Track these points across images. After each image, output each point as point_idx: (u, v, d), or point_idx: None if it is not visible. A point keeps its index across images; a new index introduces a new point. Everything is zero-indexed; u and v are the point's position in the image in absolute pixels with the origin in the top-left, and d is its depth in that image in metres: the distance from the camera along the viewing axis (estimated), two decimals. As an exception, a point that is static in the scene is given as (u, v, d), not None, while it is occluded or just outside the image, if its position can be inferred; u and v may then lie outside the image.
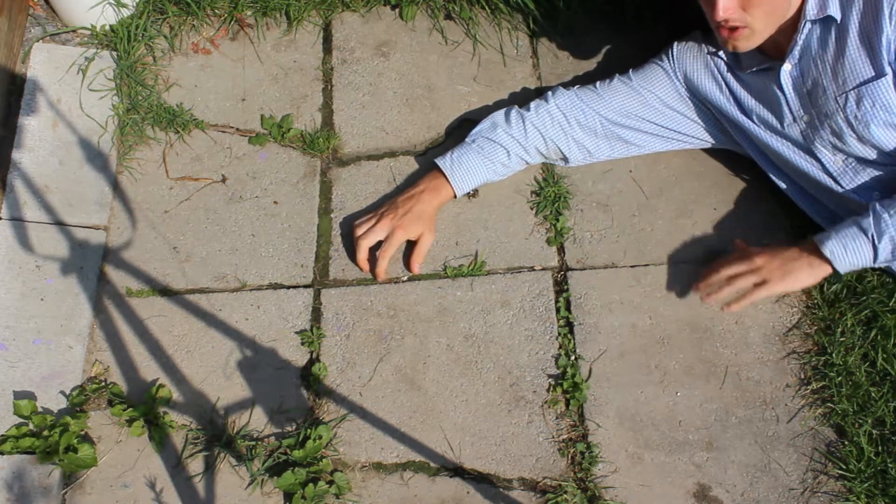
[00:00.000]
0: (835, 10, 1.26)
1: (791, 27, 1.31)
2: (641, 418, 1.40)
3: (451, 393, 1.43)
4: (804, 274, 1.34)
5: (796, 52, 1.32)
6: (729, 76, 1.45)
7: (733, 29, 1.31)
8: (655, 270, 1.52)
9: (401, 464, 1.38)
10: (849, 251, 1.29)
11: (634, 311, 1.48)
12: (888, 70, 1.24)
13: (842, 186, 1.38)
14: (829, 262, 1.31)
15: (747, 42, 1.33)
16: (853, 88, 1.28)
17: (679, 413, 1.40)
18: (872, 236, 1.27)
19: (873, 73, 1.25)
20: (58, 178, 1.59)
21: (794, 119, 1.37)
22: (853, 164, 1.36)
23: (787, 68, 1.34)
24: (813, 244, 1.33)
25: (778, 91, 1.37)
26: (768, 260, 1.36)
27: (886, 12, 1.22)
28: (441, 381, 1.44)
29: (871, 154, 1.33)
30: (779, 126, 1.41)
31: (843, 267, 1.30)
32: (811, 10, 1.27)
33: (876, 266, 1.33)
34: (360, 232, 1.52)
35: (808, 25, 1.29)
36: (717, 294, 1.41)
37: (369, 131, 1.69)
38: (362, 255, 1.51)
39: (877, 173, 1.35)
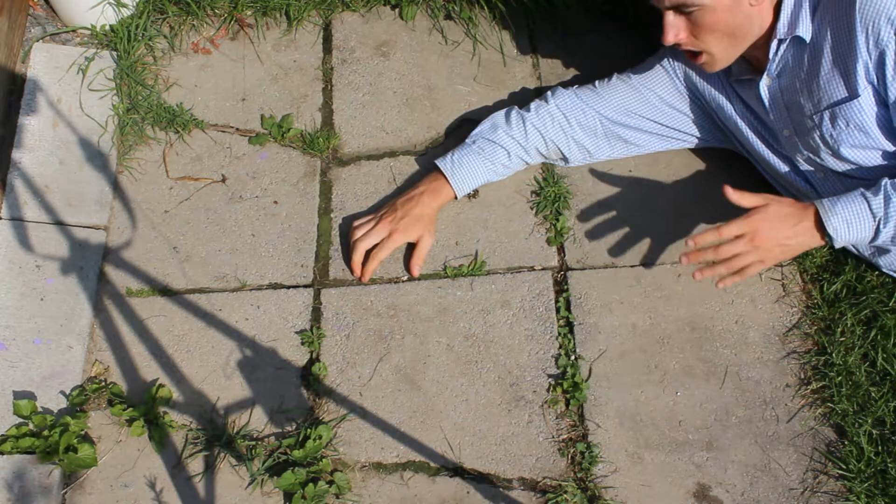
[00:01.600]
0: (803, 31, 1.26)
1: (767, 42, 1.31)
2: (641, 418, 1.40)
3: (451, 393, 1.43)
4: (800, 250, 1.30)
5: (773, 67, 1.32)
6: (724, 78, 1.45)
7: (694, 54, 1.32)
8: (655, 270, 1.52)
9: (401, 464, 1.38)
10: (852, 230, 1.24)
11: (634, 311, 1.48)
12: (861, 92, 1.23)
13: (822, 197, 1.39)
14: (827, 236, 1.25)
15: (711, 67, 1.34)
16: (827, 108, 1.28)
17: (679, 413, 1.40)
18: (879, 220, 1.23)
19: (846, 94, 1.25)
20: (58, 178, 1.59)
21: (776, 131, 1.38)
22: (832, 178, 1.37)
23: (765, 82, 1.35)
24: (816, 217, 1.25)
25: (760, 103, 1.38)
26: (768, 241, 1.25)
27: (860, 35, 1.20)
28: (441, 381, 1.44)
29: (848, 169, 1.33)
30: (763, 134, 1.43)
31: (840, 243, 1.26)
32: (781, 29, 1.27)
33: (867, 244, 1.31)
34: (358, 234, 1.52)
35: (779, 44, 1.29)
36: (709, 270, 1.27)
37: (369, 131, 1.69)
38: (358, 257, 1.51)
39: (854, 186, 1.35)
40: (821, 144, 1.32)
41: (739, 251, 1.24)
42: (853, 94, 1.24)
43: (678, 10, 1.26)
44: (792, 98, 1.33)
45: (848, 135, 1.28)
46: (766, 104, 1.36)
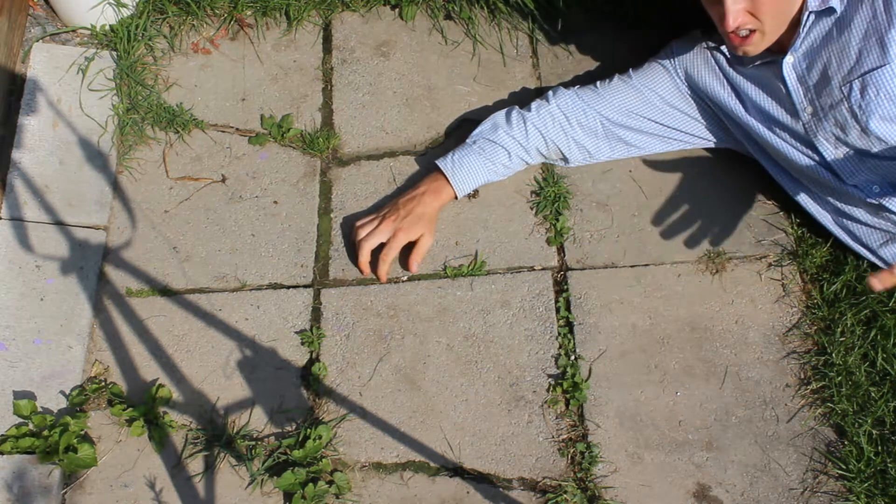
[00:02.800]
0: (836, 1, 1.27)
1: (792, 22, 1.31)
2: (641, 418, 1.40)
3: (451, 393, 1.43)
4: None
5: (798, 43, 1.32)
6: (730, 71, 1.45)
7: (744, 35, 1.32)
8: (655, 270, 1.52)
9: (401, 464, 1.38)
10: None
11: (634, 311, 1.48)
12: (894, 58, 1.24)
13: (842, 181, 1.38)
14: None
15: (758, 46, 1.34)
16: (858, 77, 1.28)
17: (679, 413, 1.40)
18: None
19: (879, 62, 1.25)
20: (58, 178, 1.59)
21: (798, 111, 1.37)
22: (854, 158, 1.36)
23: (789, 60, 1.34)
24: None
25: (781, 84, 1.37)
26: None
27: None
28: (441, 381, 1.44)
29: (873, 147, 1.32)
30: (781, 119, 1.41)
31: None
32: (812, 2, 1.28)
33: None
34: (361, 234, 1.52)
35: (811, 17, 1.30)
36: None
37: (369, 131, 1.69)
38: (364, 257, 1.51)
39: (878, 167, 1.35)
40: (848, 118, 1.31)
41: None
42: (887, 60, 1.24)
43: None
44: (819, 72, 1.32)
45: (878, 105, 1.27)
46: (790, 83, 1.36)
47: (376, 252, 1.51)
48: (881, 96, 1.27)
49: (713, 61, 1.46)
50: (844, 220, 1.44)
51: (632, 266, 1.53)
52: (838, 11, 1.28)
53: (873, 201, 1.36)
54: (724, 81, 1.46)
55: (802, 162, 1.41)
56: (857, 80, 1.28)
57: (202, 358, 1.47)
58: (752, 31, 1.31)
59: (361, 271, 1.53)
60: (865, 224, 1.41)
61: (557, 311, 1.49)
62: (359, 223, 1.54)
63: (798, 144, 1.41)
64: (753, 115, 1.44)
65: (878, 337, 1.41)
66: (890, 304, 1.42)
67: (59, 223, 1.56)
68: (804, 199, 1.48)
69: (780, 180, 1.51)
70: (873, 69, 1.26)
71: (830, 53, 1.30)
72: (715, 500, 1.34)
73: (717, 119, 1.53)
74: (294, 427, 1.41)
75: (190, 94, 1.72)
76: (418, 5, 1.79)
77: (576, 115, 1.53)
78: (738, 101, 1.45)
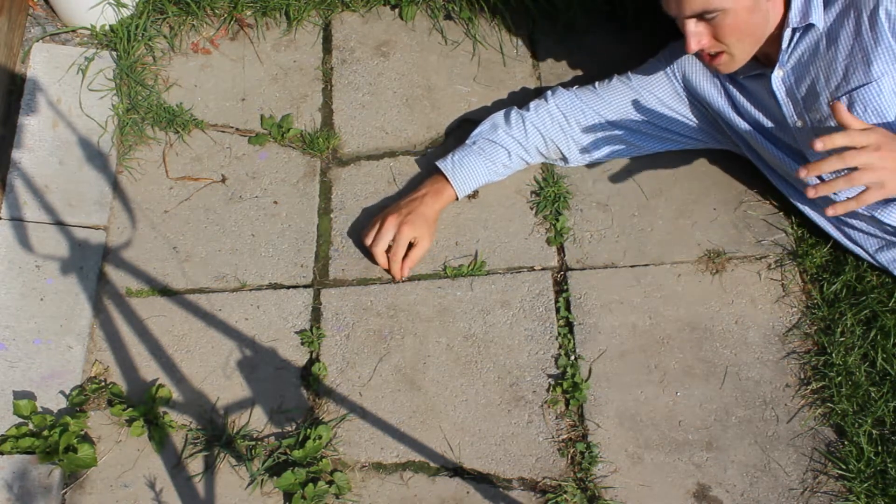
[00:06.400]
0: (817, 18, 1.26)
1: (778, 36, 1.31)
2: (641, 418, 1.40)
3: (451, 393, 1.43)
4: None
5: (786, 58, 1.32)
6: (725, 79, 1.45)
7: (713, 56, 1.32)
8: (655, 270, 1.52)
9: (401, 464, 1.38)
10: None
11: (634, 311, 1.48)
12: (882, 75, 1.23)
13: (835, 192, 1.38)
14: None
15: (728, 67, 1.34)
16: (845, 93, 1.27)
17: (679, 413, 1.40)
18: None
19: (866, 79, 1.25)
20: (58, 178, 1.59)
21: (789, 124, 1.38)
22: (846, 171, 1.36)
23: (777, 75, 1.34)
24: None
25: (771, 97, 1.37)
26: (893, 156, 1.13)
27: (883, 17, 1.21)
28: (441, 381, 1.44)
29: None
30: (773, 130, 1.41)
31: None
32: (794, 18, 1.28)
33: None
34: (369, 241, 1.51)
35: (793, 34, 1.29)
36: (825, 187, 1.15)
37: (369, 131, 1.69)
38: (382, 260, 1.51)
39: None
40: None
41: (865, 161, 1.12)
42: (873, 78, 1.24)
43: (700, 17, 1.26)
44: (807, 87, 1.32)
45: (865, 120, 1.26)
46: (779, 97, 1.36)
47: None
48: (869, 112, 1.26)
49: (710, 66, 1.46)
50: (842, 225, 1.44)
51: (632, 266, 1.53)
52: (820, 27, 1.27)
53: (864, 213, 1.36)
54: (721, 87, 1.46)
55: (795, 171, 1.42)
56: (844, 97, 1.28)
57: (202, 358, 1.47)
58: (720, 52, 1.31)
59: (391, 274, 1.52)
60: (861, 230, 1.41)
61: (557, 311, 1.49)
62: (364, 232, 1.54)
63: (790, 154, 1.42)
64: (748, 122, 1.44)
65: (878, 337, 1.41)
66: (890, 305, 1.42)
67: (59, 223, 1.56)
68: (801, 203, 1.48)
69: (776, 184, 1.51)
70: (860, 86, 1.25)
71: (818, 69, 1.30)
72: (715, 500, 1.34)
73: (715, 122, 1.53)
74: (294, 427, 1.41)
75: (190, 94, 1.72)
76: (418, 5, 1.79)
77: (574, 115, 1.54)
78: (732, 108, 1.45)
